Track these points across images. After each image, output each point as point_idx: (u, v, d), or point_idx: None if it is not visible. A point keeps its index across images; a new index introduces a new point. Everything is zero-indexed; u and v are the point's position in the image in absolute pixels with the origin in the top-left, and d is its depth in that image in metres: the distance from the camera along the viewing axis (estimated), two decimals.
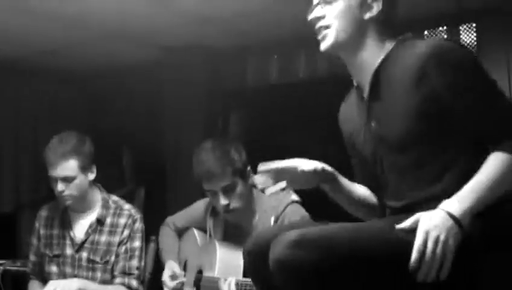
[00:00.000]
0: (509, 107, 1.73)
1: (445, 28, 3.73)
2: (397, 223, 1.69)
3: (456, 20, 3.67)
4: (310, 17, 1.90)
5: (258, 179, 1.95)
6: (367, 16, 1.85)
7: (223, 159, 2.63)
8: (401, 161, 1.83)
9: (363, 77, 1.90)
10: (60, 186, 2.83)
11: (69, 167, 2.82)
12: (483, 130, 1.72)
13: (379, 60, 1.84)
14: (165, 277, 2.89)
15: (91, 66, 4.80)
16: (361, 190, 2.06)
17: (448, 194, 1.68)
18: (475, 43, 3.62)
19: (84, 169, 2.87)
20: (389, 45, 1.86)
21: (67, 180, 2.83)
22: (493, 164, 1.67)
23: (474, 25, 3.65)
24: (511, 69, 3.41)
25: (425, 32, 3.73)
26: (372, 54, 1.86)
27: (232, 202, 2.67)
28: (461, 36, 3.68)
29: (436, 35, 3.72)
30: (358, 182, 2.08)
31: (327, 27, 1.87)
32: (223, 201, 2.66)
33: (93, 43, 4.18)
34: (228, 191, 2.65)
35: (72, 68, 4.84)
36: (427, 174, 1.78)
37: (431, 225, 1.60)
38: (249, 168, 2.74)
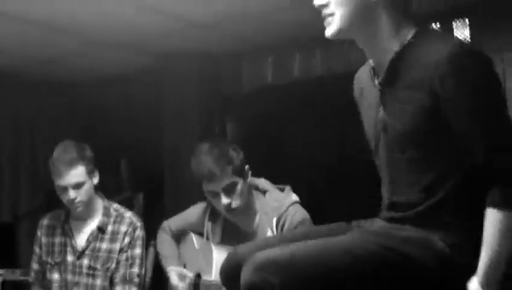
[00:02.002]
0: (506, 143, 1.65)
1: (438, 24, 3.74)
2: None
3: (449, 16, 3.68)
4: (315, 3, 1.84)
5: None
6: None
7: (222, 159, 2.63)
8: (397, 159, 1.81)
9: (378, 60, 1.84)
10: (72, 194, 2.87)
11: (78, 173, 2.87)
12: (475, 157, 1.66)
13: (396, 48, 1.78)
14: (174, 281, 2.88)
15: (88, 75, 4.81)
16: None
17: (435, 210, 1.71)
18: (468, 39, 3.63)
19: (90, 174, 2.93)
20: (406, 32, 1.79)
21: (78, 186, 2.87)
22: (494, 229, 1.62)
23: (467, 20, 3.65)
24: (505, 65, 3.42)
25: None
26: (388, 39, 1.79)
27: (234, 201, 2.67)
28: (454, 32, 3.68)
29: None
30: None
31: (331, 15, 1.81)
32: (225, 200, 2.66)
33: (90, 52, 4.18)
34: (229, 190, 2.66)
35: (69, 78, 4.85)
36: (419, 181, 1.76)
37: None
38: (247, 167, 2.75)
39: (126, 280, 2.90)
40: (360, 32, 1.82)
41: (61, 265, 2.97)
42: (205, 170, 2.64)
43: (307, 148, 4.00)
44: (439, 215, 1.72)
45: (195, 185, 2.74)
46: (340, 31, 1.80)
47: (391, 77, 1.79)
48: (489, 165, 1.64)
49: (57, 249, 3.00)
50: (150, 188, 4.47)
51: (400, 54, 1.77)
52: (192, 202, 3.09)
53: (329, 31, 1.82)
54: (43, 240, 3.05)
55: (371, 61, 1.89)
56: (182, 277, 2.87)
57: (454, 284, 1.69)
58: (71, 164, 2.84)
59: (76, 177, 2.86)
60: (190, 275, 2.87)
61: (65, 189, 2.87)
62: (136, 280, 2.91)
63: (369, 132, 1.92)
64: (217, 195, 2.68)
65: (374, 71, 1.87)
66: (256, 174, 2.86)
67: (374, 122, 1.88)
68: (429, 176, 1.74)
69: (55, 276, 2.98)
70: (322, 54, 3.96)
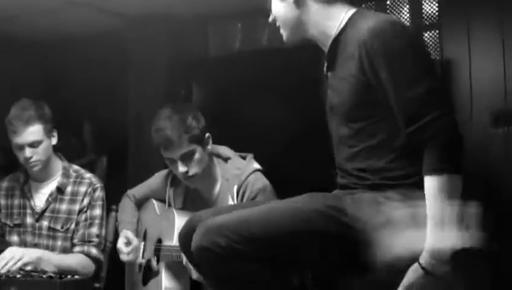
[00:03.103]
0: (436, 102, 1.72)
1: None
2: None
3: None
4: (269, 21, 2.07)
5: None
6: None
7: (180, 127, 2.62)
8: (342, 133, 1.91)
9: (325, 46, 1.98)
10: (28, 152, 2.83)
11: (36, 131, 2.83)
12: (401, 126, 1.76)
13: (336, 30, 1.92)
14: (120, 244, 2.88)
15: (52, 34, 4.71)
16: None
17: (378, 174, 1.80)
18: (437, 13, 3.64)
19: (48, 133, 2.89)
20: (344, 16, 1.92)
21: (35, 145, 2.84)
22: (432, 195, 1.68)
23: None
24: (472, 39, 3.44)
25: (388, 2, 3.73)
26: (327, 25, 1.93)
27: (191, 168, 2.66)
28: (423, 6, 3.68)
29: (399, 5, 3.73)
30: None
31: (280, 26, 2.03)
32: (182, 168, 2.65)
33: (54, 11, 4.10)
34: (186, 158, 2.65)
35: (32, 37, 4.74)
36: (362, 150, 1.85)
37: None
38: (207, 135, 2.73)
39: (85, 241, 2.90)
40: (304, 31, 1.99)
41: (20, 227, 2.96)
42: (162, 136, 2.63)
43: (272, 117, 3.99)
44: (386, 181, 1.80)
45: (158, 150, 2.73)
46: (290, 37, 2.02)
47: (332, 60, 1.93)
48: (413, 136, 1.71)
49: (15, 211, 2.98)
50: (114, 152, 4.44)
51: (337, 38, 1.91)
52: (156, 167, 3.08)
53: (284, 40, 2.04)
54: (2, 202, 3.02)
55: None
56: (128, 243, 2.87)
57: None
58: (28, 122, 2.81)
59: (33, 135, 2.82)
60: (136, 243, 2.87)
61: (21, 147, 2.83)
62: (95, 240, 2.91)
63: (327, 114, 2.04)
64: (174, 162, 2.68)
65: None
66: (219, 141, 2.86)
67: (325, 107, 2.01)
68: (374, 146, 1.83)
69: (15, 238, 2.96)
70: None
